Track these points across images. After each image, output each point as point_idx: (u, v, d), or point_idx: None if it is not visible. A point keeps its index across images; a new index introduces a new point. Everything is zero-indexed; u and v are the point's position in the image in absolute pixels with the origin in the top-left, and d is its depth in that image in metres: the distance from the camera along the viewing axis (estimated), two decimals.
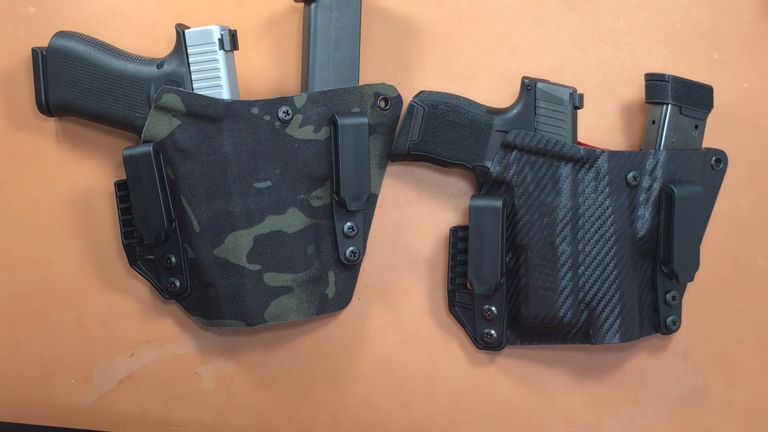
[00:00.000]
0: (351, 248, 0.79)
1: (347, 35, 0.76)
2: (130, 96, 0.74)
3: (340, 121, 0.75)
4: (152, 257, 0.77)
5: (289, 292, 0.76)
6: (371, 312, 0.82)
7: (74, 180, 0.80)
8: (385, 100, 0.79)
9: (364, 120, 0.76)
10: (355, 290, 0.82)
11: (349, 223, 0.78)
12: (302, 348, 0.82)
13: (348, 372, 0.82)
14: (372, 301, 0.82)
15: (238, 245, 0.75)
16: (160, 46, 0.78)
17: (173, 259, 0.77)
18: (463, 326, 0.81)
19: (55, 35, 0.75)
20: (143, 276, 0.78)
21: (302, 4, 0.77)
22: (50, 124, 0.79)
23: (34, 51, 0.75)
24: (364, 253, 0.80)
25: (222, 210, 0.75)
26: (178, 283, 0.77)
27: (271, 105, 0.75)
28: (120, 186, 0.77)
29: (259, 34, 0.80)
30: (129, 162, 0.74)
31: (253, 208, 0.75)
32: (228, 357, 0.82)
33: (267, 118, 0.75)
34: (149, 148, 0.73)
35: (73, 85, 0.74)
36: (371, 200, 0.79)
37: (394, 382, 0.82)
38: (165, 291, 0.78)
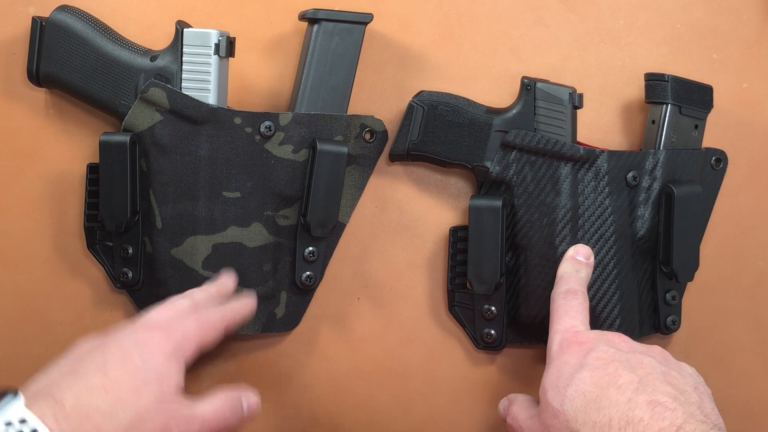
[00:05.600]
0: (308, 273, 0.79)
1: (344, 63, 0.76)
2: (118, 82, 0.75)
3: (320, 146, 0.75)
4: (111, 244, 0.77)
5: None
6: (371, 312, 0.82)
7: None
8: (371, 133, 0.79)
9: (344, 150, 0.76)
10: (355, 290, 0.82)
11: (310, 248, 0.78)
12: (302, 348, 0.82)
13: (348, 372, 0.82)
14: (371, 302, 0.82)
15: (196, 250, 0.75)
16: (162, 39, 0.77)
17: (130, 251, 0.77)
18: (463, 326, 0.81)
19: (57, 8, 0.75)
20: (98, 261, 0.78)
21: (306, 23, 0.77)
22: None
23: (34, 20, 0.75)
24: (320, 280, 0.80)
25: (186, 212, 0.75)
26: (131, 275, 0.77)
27: (254, 118, 0.75)
28: (92, 169, 0.77)
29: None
30: (105, 148, 0.74)
31: (217, 215, 0.75)
32: (228, 357, 0.81)
33: (248, 130, 0.75)
34: (126, 138, 0.74)
35: (65, 61, 0.75)
36: (337, 229, 0.79)
37: (394, 382, 0.82)
38: (117, 280, 0.78)
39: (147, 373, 0.62)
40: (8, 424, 0.55)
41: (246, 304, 0.73)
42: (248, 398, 0.68)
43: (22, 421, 0.56)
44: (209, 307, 0.71)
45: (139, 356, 0.62)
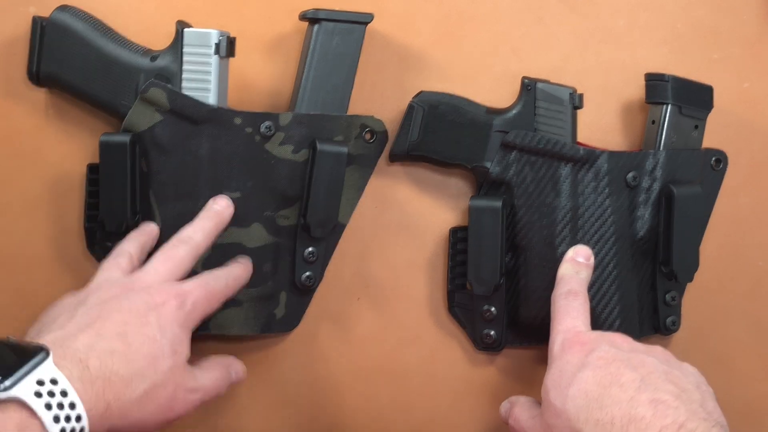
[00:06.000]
0: (308, 273, 0.78)
1: (345, 63, 0.76)
2: (118, 82, 0.75)
3: (320, 146, 0.75)
4: (111, 245, 0.77)
5: (237, 305, 0.76)
6: (371, 312, 0.82)
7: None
8: (371, 133, 0.79)
9: (344, 150, 0.76)
10: (355, 290, 0.82)
11: (310, 249, 0.78)
12: (302, 348, 0.82)
13: (348, 372, 0.82)
14: (371, 302, 0.82)
15: None
16: (162, 38, 0.77)
17: None
18: (463, 327, 0.81)
19: (58, 8, 0.75)
20: (98, 261, 0.78)
21: (306, 23, 0.77)
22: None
23: (35, 19, 0.75)
24: (320, 280, 0.80)
25: (187, 212, 0.75)
26: None
27: (254, 118, 0.75)
28: (92, 169, 0.77)
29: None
30: (105, 148, 0.74)
31: None
32: None
33: (249, 130, 0.75)
34: (126, 138, 0.73)
35: (66, 61, 0.75)
36: (337, 229, 0.79)
37: (394, 382, 0.82)
38: None
39: (163, 344, 0.64)
40: (40, 383, 0.56)
41: (245, 270, 0.75)
42: (236, 368, 0.75)
43: (54, 382, 0.56)
44: (208, 244, 0.73)
45: (156, 324, 0.65)
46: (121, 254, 0.72)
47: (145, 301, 0.65)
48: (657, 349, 0.69)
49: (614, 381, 0.64)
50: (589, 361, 0.66)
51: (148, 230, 0.75)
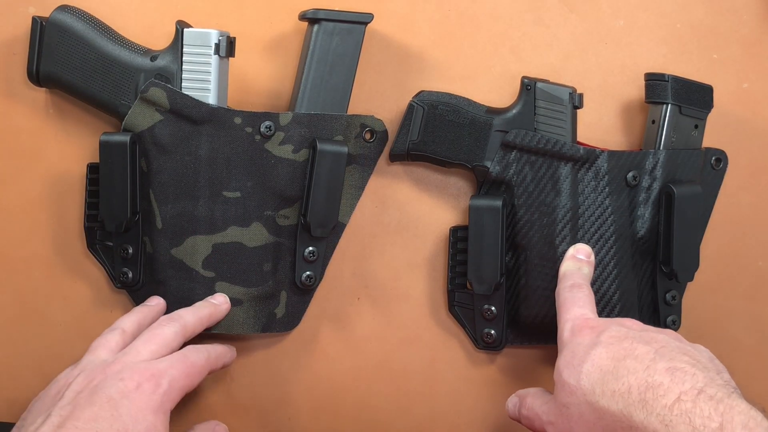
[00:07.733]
0: (308, 273, 0.79)
1: (345, 63, 0.76)
2: (118, 82, 0.75)
3: (320, 146, 0.75)
4: (111, 244, 0.78)
5: (237, 305, 0.76)
6: (371, 312, 0.82)
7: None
8: (371, 132, 0.79)
9: (344, 149, 0.76)
10: (355, 290, 0.82)
11: (310, 248, 0.78)
12: (302, 348, 0.82)
13: (348, 372, 0.82)
14: (371, 301, 0.82)
15: (196, 249, 0.75)
16: (162, 38, 0.77)
17: (130, 251, 0.77)
18: (463, 326, 0.81)
19: (57, 8, 0.76)
20: (98, 261, 0.78)
21: (306, 23, 0.77)
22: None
23: (34, 19, 0.75)
24: (320, 280, 0.80)
25: (187, 212, 0.75)
26: (131, 275, 0.77)
27: (254, 117, 0.75)
28: (92, 168, 0.77)
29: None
30: (105, 148, 0.74)
31: (217, 215, 0.75)
32: None
33: (249, 129, 0.75)
34: (127, 137, 0.74)
35: (66, 61, 0.75)
36: (337, 229, 0.79)
37: (394, 382, 0.82)
38: (117, 280, 0.78)
39: None
40: None
41: (230, 351, 0.76)
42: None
43: None
44: (197, 329, 0.73)
45: (128, 414, 0.63)
46: (115, 329, 0.72)
47: (118, 388, 0.64)
48: (667, 330, 0.69)
49: (628, 354, 0.63)
50: (601, 340, 0.66)
51: (154, 304, 0.76)
